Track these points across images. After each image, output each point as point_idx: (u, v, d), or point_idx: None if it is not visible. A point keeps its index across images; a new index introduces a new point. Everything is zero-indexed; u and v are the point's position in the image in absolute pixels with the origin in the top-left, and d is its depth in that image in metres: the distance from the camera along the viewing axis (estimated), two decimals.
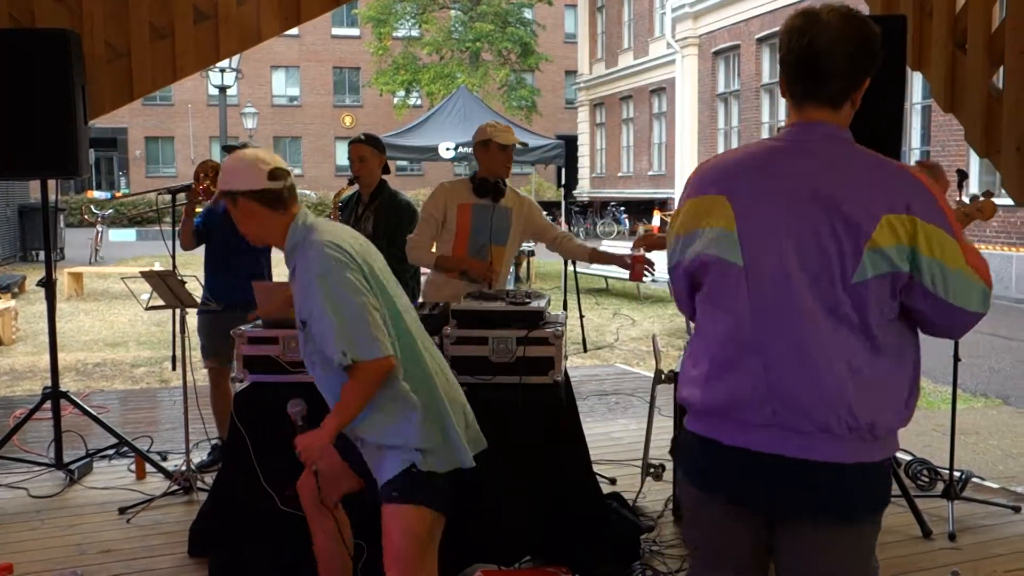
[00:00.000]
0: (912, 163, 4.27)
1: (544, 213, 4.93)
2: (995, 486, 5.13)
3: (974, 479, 5.01)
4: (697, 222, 2.16)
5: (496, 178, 4.54)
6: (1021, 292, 13.96)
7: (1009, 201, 4.98)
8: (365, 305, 2.64)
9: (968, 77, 4.74)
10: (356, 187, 5.07)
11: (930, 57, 4.93)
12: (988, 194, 4.06)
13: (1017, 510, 4.66)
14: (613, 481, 5.01)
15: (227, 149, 5.34)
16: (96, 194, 34.28)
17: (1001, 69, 4.61)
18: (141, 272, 4.78)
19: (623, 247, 17.05)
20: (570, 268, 5.31)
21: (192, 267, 5.50)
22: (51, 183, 5.23)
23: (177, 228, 5.11)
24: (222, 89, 17.70)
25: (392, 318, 2.75)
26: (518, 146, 4.60)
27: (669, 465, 4.61)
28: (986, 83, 4.68)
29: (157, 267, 5.00)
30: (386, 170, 5.05)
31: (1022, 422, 7.28)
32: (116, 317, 12.63)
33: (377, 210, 4.89)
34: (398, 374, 2.73)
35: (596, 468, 4.40)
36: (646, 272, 4.39)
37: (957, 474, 4.70)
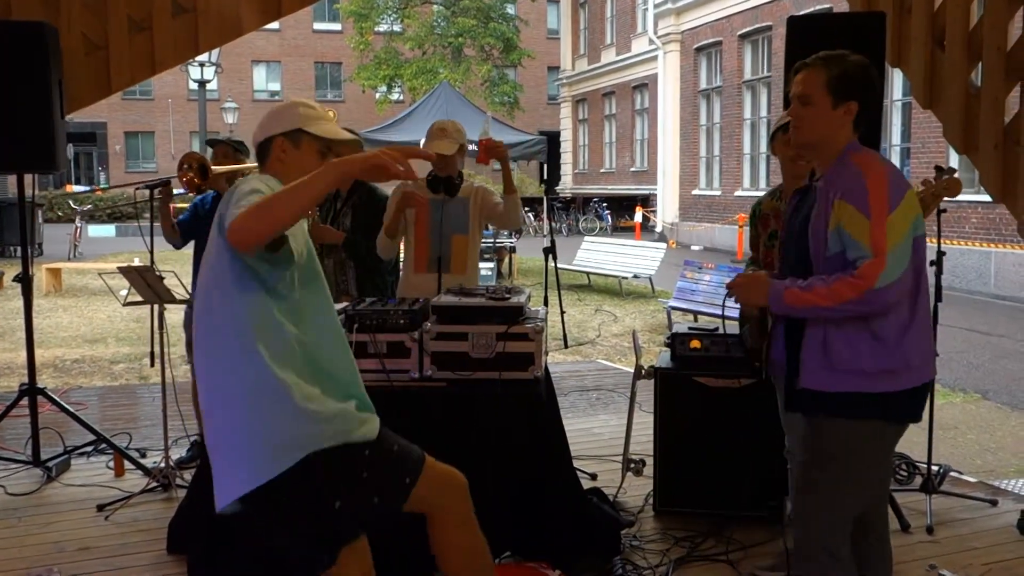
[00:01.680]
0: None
1: (527, 211, 4.94)
2: (973, 480, 5.17)
3: (952, 473, 5.05)
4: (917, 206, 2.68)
5: (445, 175, 4.57)
6: (1000, 288, 14.07)
7: (987, 197, 5.01)
8: None
9: (947, 74, 4.77)
10: None
11: (909, 54, 4.96)
12: (951, 170, 4.13)
13: (994, 503, 4.70)
14: (594, 476, 5.03)
15: (211, 143, 5.31)
16: (75, 189, 34.06)
17: (979, 66, 4.64)
18: (119, 268, 4.75)
19: (605, 243, 17.06)
20: (551, 264, 5.31)
21: (171, 262, 5.48)
22: (28, 177, 5.19)
23: (156, 224, 5.09)
24: (202, 83, 17.60)
25: None
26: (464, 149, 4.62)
27: (649, 460, 4.62)
28: (964, 80, 4.71)
29: (136, 262, 4.97)
30: None
31: (1000, 416, 7.35)
32: (95, 313, 12.55)
33: (355, 205, 4.87)
34: None
35: (577, 463, 4.41)
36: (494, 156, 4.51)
37: (935, 468, 4.74)
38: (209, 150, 5.41)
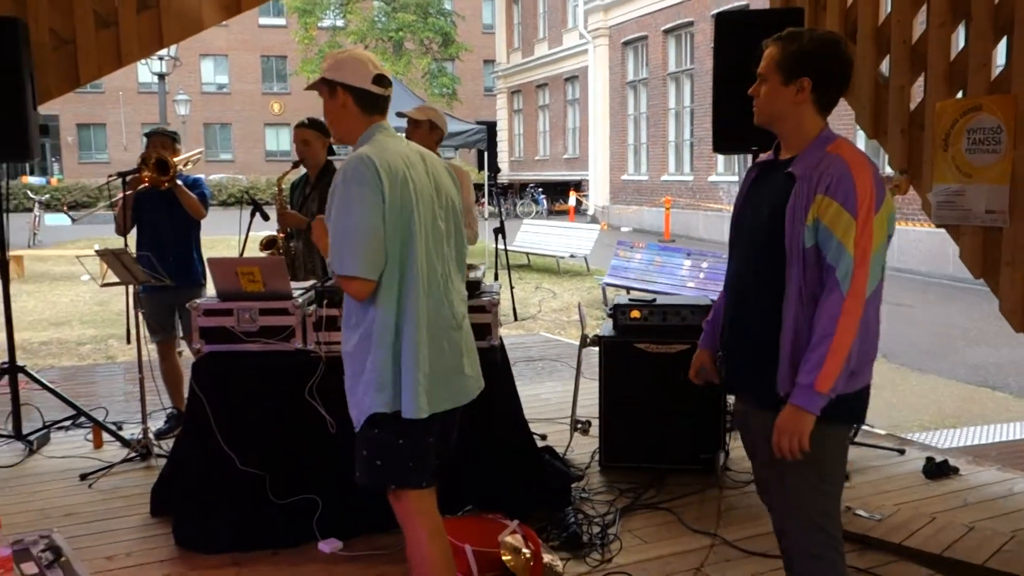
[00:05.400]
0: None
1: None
2: (883, 432, 5.41)
3: (864, 427, 5.27)
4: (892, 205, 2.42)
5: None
6: (902, 262, 14.53)
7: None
8: (363, 223, 2.51)
9: (858, 65, 4.92)
10: (302, 169, 5.06)
11: None
12: (903, 171, 4.29)
13: (902, 452, 4.94)
14: (544, 437, 5.13)
15: (148, 136, 5.27)
16: (30, 179, 33.08)
17: (887, 58, 4.81)
18: (96, 251, 4.71)
19: (543, 225, 17.08)
20: (500, 246, 5.42)
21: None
22: None
23: (114, 212, 5.07)
24: (161, 76, 17.25)
25: (400, 249, 2.58)
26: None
27: (595, 421, 4.75)
28: (874, 71, 4.88)
29: (97, 248, 4.92)
30: (331, 151, 5.06)
31: (900, 376, 7.66)
32: (58, 297, 12.29)
33: (322, 191, 4.89)
34: (378, 299, 2.58)
35: (529, 426, 4.51)
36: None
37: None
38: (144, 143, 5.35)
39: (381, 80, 2.71)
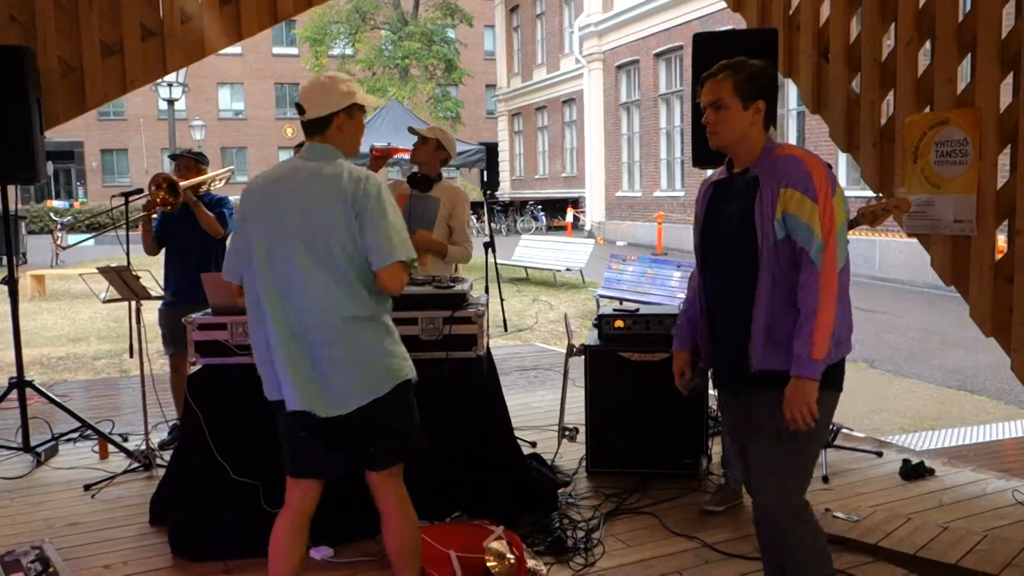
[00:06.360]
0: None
1: (471, 214, 4.88)
2: (862, 435, 5.32)
3: (844, 430, 5.18)
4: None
5: (418, 163, 4.57)
6: (882, 271, 14.45)
7: (870, 192, 5.15)
8: (232, 237, 2.87)
9: (831, 82, 4.88)
10: None
11: (799, 65, 5.06)
12: (901, 191, 4.21)
13: (880, 455, 4.85)
14: (534, 444, 5.06)
15: (173, 157, 5.23)
16: (55, 203, 33.16)
17: (859, 75, 4.75)
18: (98, 268, 4.65)
19: (541, 240, 17.02)
20: (491, 260, 5.35)
21: (147, 264, 5.38)
22: (11, 190, 5.06)
23: (137, 232, 5.01)
24: (170, 102, 17.27)
25: (248, 258, 2.72)
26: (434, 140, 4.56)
27: (582, 428, 4.67)
28: (846, 88, 4.82)
29: (98, 266, 4.88)
30: None
31: (884, 382, 7.57)
32: (77, 314, 12.25)
33: None
34: (246, 302, 2.80)
35: (518, 433, 4.44)
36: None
37: (830, 426, 4.86)
38: (171, 163, 5.31)
39: (297, 106, 2.81)
